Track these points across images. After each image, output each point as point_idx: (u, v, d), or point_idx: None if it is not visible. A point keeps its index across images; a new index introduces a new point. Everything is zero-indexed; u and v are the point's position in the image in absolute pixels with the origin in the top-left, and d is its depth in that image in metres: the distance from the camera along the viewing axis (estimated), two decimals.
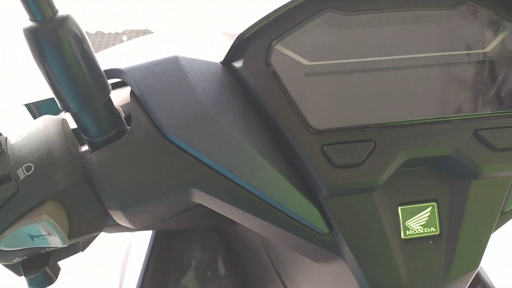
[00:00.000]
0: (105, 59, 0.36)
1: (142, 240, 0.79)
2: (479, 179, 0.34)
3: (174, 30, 0.42)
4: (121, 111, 0.33)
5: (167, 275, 0.74)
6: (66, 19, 0.25)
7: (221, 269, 0.79)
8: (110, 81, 0.33)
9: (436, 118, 0.33)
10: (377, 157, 0.32)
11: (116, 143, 0.30)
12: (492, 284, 0.72)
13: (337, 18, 0.34)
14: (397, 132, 0.33)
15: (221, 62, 0.34)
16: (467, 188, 0.34)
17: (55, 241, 0.29)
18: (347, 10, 0.34)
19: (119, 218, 0.32)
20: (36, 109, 0.46)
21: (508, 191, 0.35)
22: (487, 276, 0.72)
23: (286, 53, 0.33)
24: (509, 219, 0.36)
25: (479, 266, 0.76)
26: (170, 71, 0.31)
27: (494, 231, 0.35)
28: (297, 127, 0.32)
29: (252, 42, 0.33)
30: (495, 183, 0.34)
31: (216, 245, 0.79)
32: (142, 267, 0.69)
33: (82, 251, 0.35)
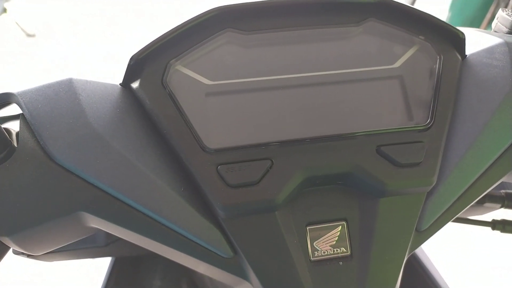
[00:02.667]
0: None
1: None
2: (388, 197, 0.33)
3: None
4: None
5: None
6: None
7: None
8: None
9: (338, 134, 0.33)
10: (274, 175, 0.31)
11: (1, 166, 0.29)
12: None
13: (238, 38, 0.34)
14: (297, 149, 0.32)
15: (120, 84, 0.34)
16: (376, 206, 0.33)
17: None
18: (247, 30, 0.34)
19: (9, 244, 0.31)
20: None
21: (422, 208, 0.34)
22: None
23: (187, 73, 0.33)
24: (427, 238, 0.34)
25: (445, 282, 0.73)
26: (62, 94, 0.31)
27: (411, 251, 0.34)
28: (192, 147, 0.31)
29: (149, 62, 0.33)
30: (406, 200, 0.33)
31: (179, 272, 0.77)
32: None
33: None
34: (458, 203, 0.34)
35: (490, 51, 0.38)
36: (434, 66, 0.36)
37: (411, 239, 0.33)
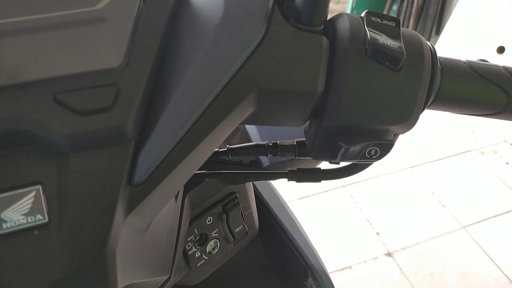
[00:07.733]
0: None
1: None
2: (83, 151, 0.29)
3: None
4: None
5: None
6: None
7: None
8: None
9: (5, 85, 0.28)
10: None
11: None
12: (321, 266, 0.68)
13: None
14: None
15: None
16: (69, 163, 0.29)
17: None
18: None
19: None
20: None
21: (133, 159, 0.30)
22: (315, 258, 0.68)
23: None
24: (151, 191, 0.31)
25: (311, 248, 0.71)
26: None
27: (131, 207, 0.31)
28: None
29: None
30: (108, 152, 0.29)
31: None
32: None
33: None
34: (178, 149, 0.31)
35: None
36: (138, 4, 0.32)
37: (124, 195, 0.30)
